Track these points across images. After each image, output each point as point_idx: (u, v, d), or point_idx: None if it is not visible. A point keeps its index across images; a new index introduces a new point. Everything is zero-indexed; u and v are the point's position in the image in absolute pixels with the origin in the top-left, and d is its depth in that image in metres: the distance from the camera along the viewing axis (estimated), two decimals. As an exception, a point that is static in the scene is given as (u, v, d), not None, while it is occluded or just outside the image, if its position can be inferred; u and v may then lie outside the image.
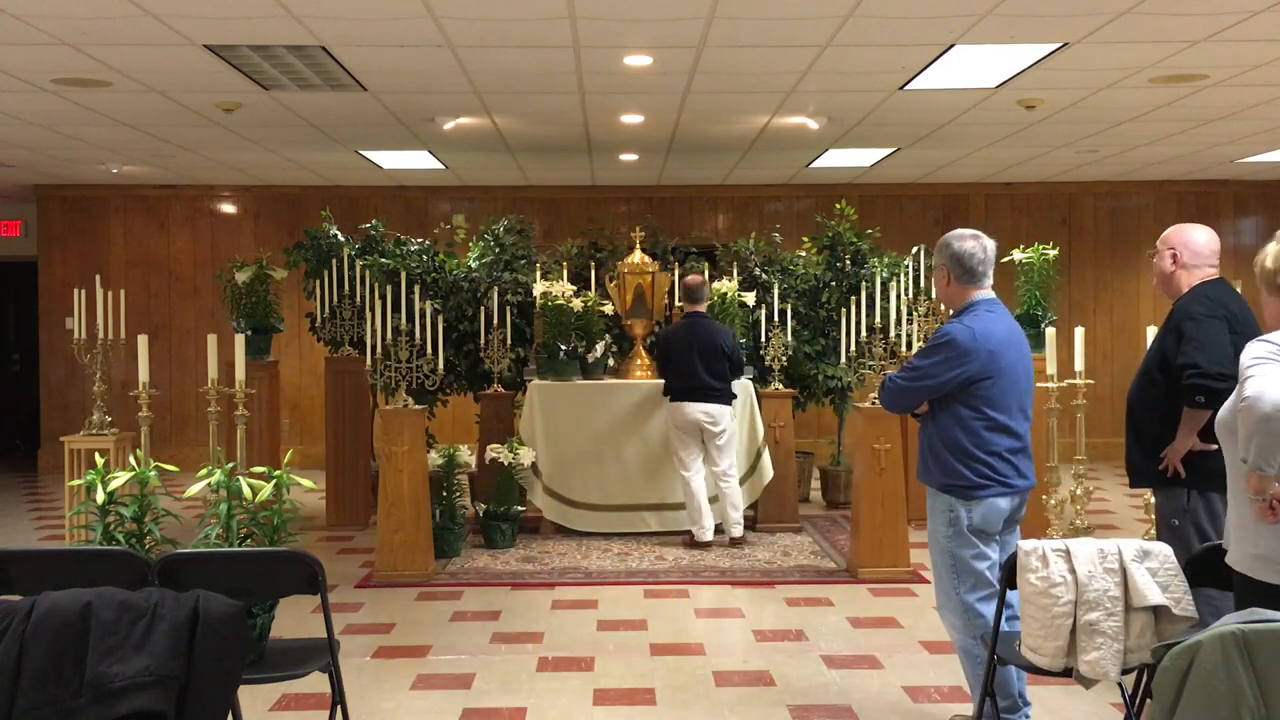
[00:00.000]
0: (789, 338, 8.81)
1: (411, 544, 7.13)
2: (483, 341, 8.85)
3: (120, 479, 3.75)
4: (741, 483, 8.42)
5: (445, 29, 6.06)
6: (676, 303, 8.77)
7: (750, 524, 8.68)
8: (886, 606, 6.52)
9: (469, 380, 9.27)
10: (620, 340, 9.10)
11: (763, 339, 8.76)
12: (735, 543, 8.02)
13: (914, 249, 9.28)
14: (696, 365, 7.82)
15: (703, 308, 8.14)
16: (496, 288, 8.93)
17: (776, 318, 8.84)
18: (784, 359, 8.72)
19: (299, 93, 7.54)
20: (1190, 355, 4.32)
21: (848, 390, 9.23)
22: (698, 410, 7.86)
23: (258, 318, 8.89)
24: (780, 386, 8.73)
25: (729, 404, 7.98)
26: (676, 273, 9.15)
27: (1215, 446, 4.11)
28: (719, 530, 8.06)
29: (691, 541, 8.02)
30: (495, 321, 8.77)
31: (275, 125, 8.73)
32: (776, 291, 8.96)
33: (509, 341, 8.83)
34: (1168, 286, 4.59)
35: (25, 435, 13.31)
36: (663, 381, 8.15)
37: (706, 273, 9.05)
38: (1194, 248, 4.52)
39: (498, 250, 9.37)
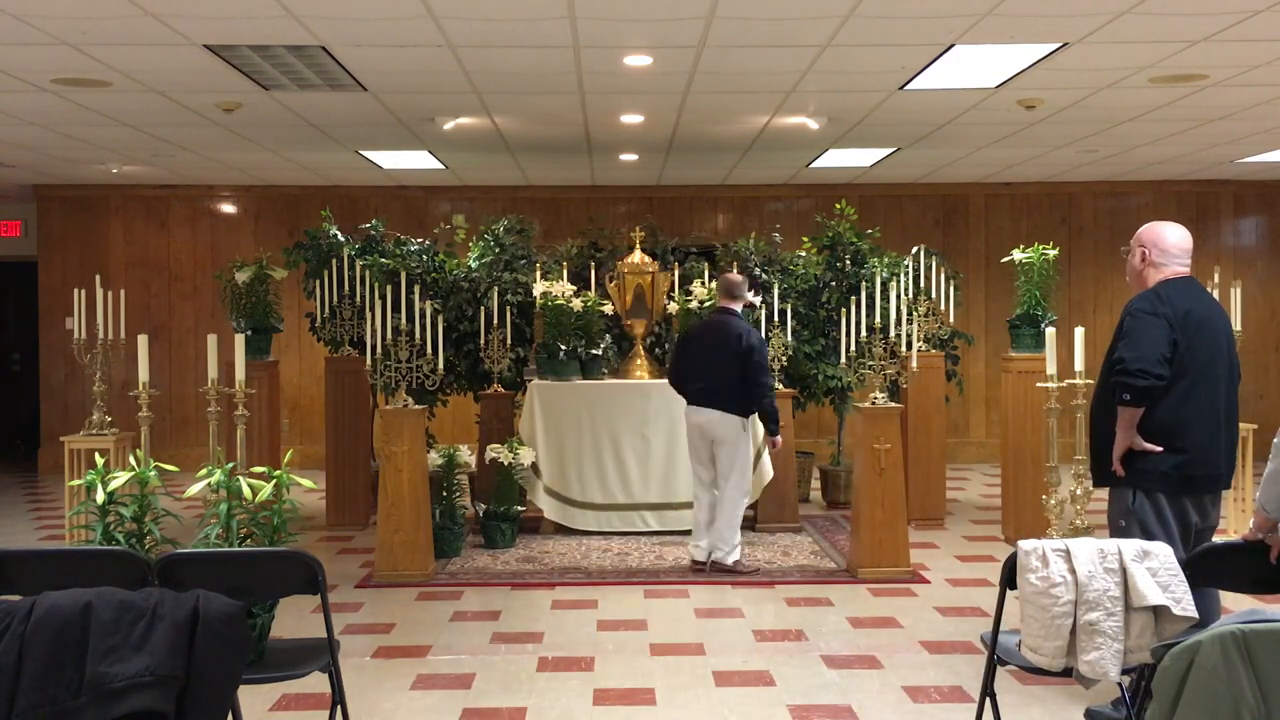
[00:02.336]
0: (789, 338, 8.81)
1: (411, 544, 7.13)
2: (483, 341, 8.84)
3: (120, 479, 3.75)
4: (741, 483, 8.38)
5: (445, 29, 6.06)
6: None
7: (750, 524, 8.65)
8: (886, 606, 6.51)
9: (469, 380, 9.26)
10: (620, 340, 9.11)
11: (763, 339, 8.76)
12: (717, 568, 7.22)
13: (914, 249, 9.28)
14: (701, 366, 7.15)
15: (737, 306, 7.31)
16: (496, 288, 8.92)
17: (776, 318, 8.84)
18: (784, 359, 8.72)
19: (299, 93, 7.54)
20: (1119, 351, 4.41)
21: (848, 390, 9.23)
22: (696, 415, 7.18)
23: (258, 318, 8.89)
24: (780, 386, 8.72)
25: (731, 413, 7.07)
26: (676, 273, 9.15)
27: (1157, 448, 4.30)
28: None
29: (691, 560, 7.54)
30: (495, 321, 8.77)
31: (275, 125, 8.73)
32: (776, 291, 8.96)
33: (509, 341, 8.82)
34: (1137, 283, 4.64)
35: (25, 435, 13.31)
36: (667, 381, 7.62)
37: (706, 273, 9.05)
38: (1163, 246, 4.56)
39: (498, 250, 9.36)
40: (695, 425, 7.23)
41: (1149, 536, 4.28)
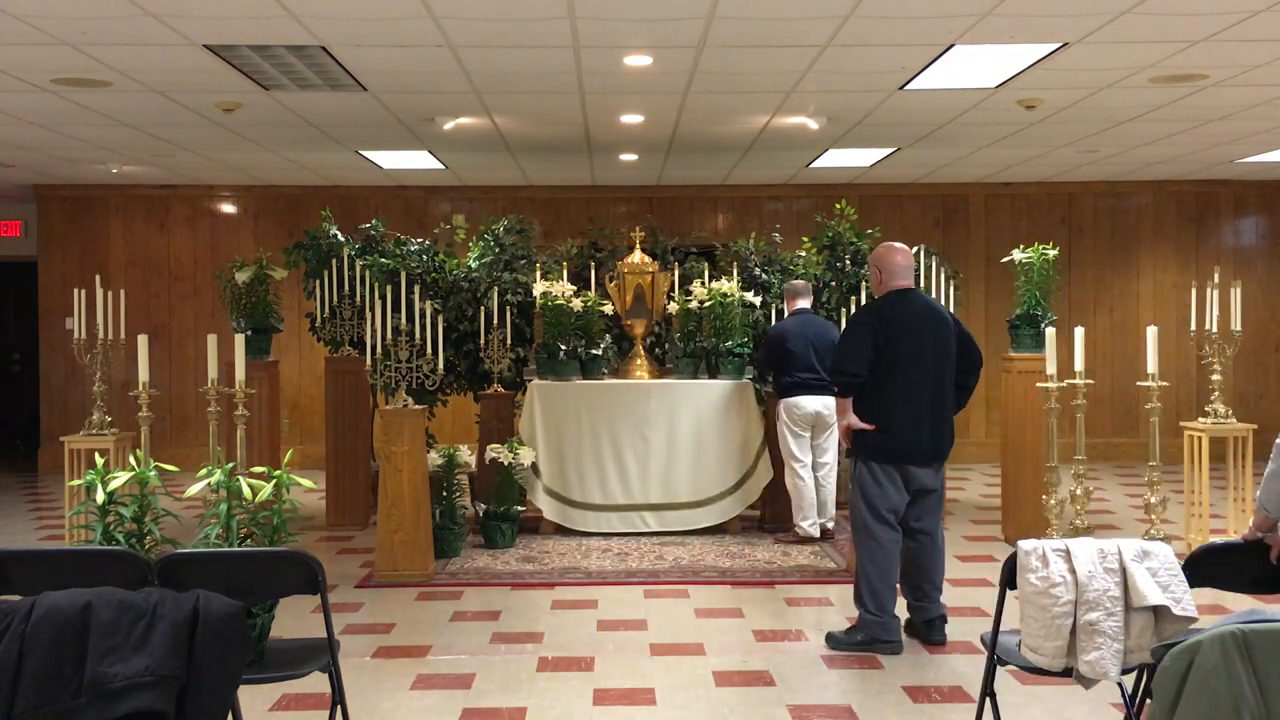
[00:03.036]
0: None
1: (411, 544, 7.13)
2: (483, 341, 8.84)
3: (120, 479, 3.74)
4: (740, 484, 8.43)
5: (445, 29, 6.06)
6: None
7: (759, 524, 8.71)
8: (886, 606, 6.50)
9: (469, 380, 9.26)
10: (620, 340, 9.11)
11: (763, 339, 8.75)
12: (826, 535, 8.18)
13: (914, 249, 9.26)
14: (813, 360, 7.88)
15: (809, 304, 8.26)
16: (496, 288, 8.92)
17: (775, 317, 8.83)
18: (784, 359, 8.70)
19: (299, 93, 7.54)
20: (833, 354, 5.82)
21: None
22: (818, 403, 7.91)
23: (258, 318, 8.88)
24: (779, 386, 8.71)
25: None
26: (676, 273, 9.15)
27: (870, 426, 5.42)
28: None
29: (795, 538, 8.08)
30: (495, 321, 8.77)
31: (275, 125, 8.73)
32: (776, 292, 8.96)
33: (509, 341, 8.82)
34: (879, 294, 5.65)
35: (25, 435, 13.31)
36: (763, 378, 8.33)
37: (706, 273, 9.05)
38: (887, 267, 5.58)
39: (498, 250, 9.36)
40: (813, 413, 7.99)
41: (866, 495, 5.48)
